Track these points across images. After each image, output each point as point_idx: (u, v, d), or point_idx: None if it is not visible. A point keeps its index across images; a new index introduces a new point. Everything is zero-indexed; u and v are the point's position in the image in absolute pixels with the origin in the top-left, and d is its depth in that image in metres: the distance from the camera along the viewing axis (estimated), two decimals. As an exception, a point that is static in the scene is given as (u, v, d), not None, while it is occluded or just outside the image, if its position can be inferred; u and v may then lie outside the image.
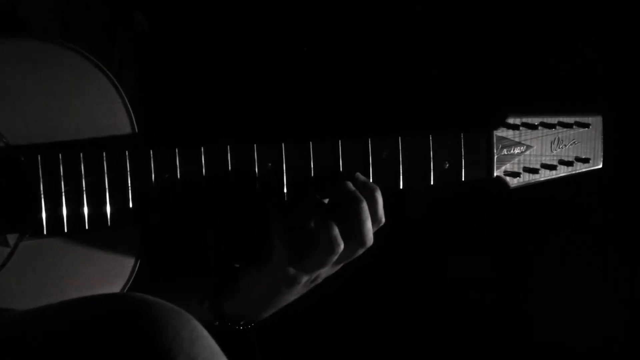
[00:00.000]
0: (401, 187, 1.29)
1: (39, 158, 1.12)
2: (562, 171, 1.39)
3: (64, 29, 1.37)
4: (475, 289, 2.04)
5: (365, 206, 1.20)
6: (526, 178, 1.37)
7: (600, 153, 1.42)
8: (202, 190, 1.19)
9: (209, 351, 0.98)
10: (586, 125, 1.40)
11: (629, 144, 1.87)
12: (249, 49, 1.88)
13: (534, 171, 1.37)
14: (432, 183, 1.30)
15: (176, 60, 1.79)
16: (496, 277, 2.04)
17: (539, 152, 1.37)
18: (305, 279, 1.24)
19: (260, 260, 1.27)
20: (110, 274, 1.20)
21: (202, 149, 1.19)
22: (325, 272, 1.26)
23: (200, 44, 1.84)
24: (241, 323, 1.34)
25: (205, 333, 0.99)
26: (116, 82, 1.19)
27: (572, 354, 2.04)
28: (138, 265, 1.22)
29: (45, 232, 1.13)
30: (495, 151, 1.34)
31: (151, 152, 1.16)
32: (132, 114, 1.20)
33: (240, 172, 1.21)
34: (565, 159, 1.39)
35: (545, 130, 1.37)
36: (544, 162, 1.38)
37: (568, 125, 1.38)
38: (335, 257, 1.20)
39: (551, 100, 1.81)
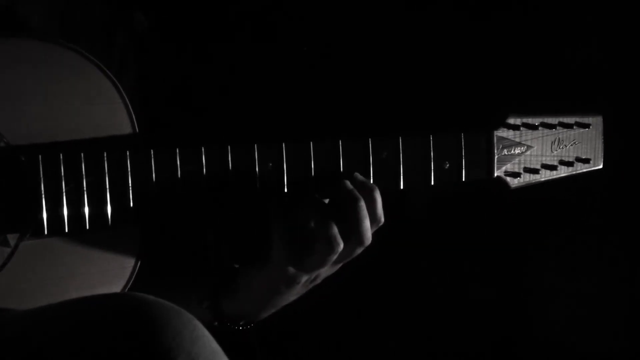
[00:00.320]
0: (401, 187, 1.29)
1: (40, 158, 1.12)
2: (563, 171, 1.39)
3: (64, 29, 1.37)
4: (476, 289, 2.04)
5: (363, 205, 1.20)
6: (527, 178, 1.37)
7: (601, 153, 1.42)
8: (203, 190, 1.19)
9: (210, 351, 0.98)
10: (587, 126, 1.40)
11: (630, 144, 1.87)
12: (249, 49, 1.88)
13: (535, 171, 1.37)
14: (432, 183, 1.30)
15: (176, 60, 1.79)
16: (496, 277, 2.04)
17: (539, 152, 1.37)
18: (304, 278, 1.24)
19: (260, 260, 1.27)
20: (111, 274, 1.20)
21: (203, 149, 1.19)
22: (324, 272, 1.26)
23: (200, 44, 1.84)
24: (241, 323, 1.34)
25: (206, 333, 0.99)
26: (116, 82, 1.19)
27: (572, 354, 2.04)
28: (138, 265, 1.22)
29: (45, 232, 1.13)
30: (495, 151, 1.34)
31: (152, 152, 1.16)
32: (133, 114, 1.20)
33: (240, 172, 1.21)
34: (566, 159, 1.39)
35: (546, 131, 1.37)
36: (544, 162, 1.37)
37: (568, 126, 1.38)
38: (335, 257, 1.20)
39: (552, 100, 1.81)
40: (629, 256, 2.00)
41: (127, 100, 1.19)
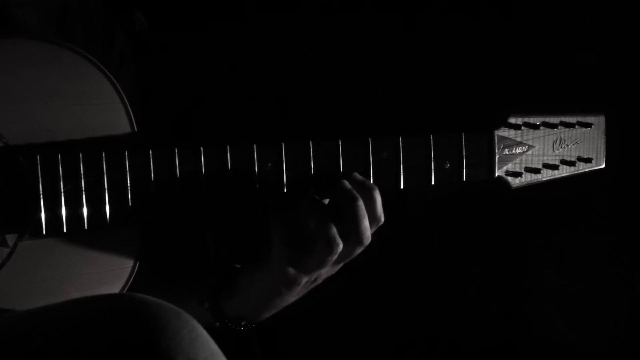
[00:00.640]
0: (402, 187, 1.28)
1: (38, 158, 1.11)
2: (565, 171, 1.39)
3: (63, 29, 1.36)
4: (476, 289, 2.04)
5: (361, 204, 1.20)
6: (528, 178, 1.36)
7: (603, 153, 1.41)
8: (202, 190, 1.18)
9: (209, 351, 0.98)
10: (588, 125, 1.39)
11: (632, 143, 1.86)
12: (249, 49, 1.88)
13: (536, 171, 1.37)
14: (433, 183, 1.30)
15: (176, 60, 1.79)
16: (496, 277, 2.03)
17: (540, 152, 1.37)
18: (304, 279, 1.24)
19: (259, 260, 1.27)
20: (110, 274, 1.20)
21: (202, 149, 1.18)
22: (325, 272, 1.25)
23: (200, 44, 1.84)
24: (242, 324, 1.33)
25: (205, 333, 0.99)
26: (115, 82, 1.19)
27: (572, 354, 2.04)
28: (137, 265, 1.21)
29: (44, 232, 1.13)
30: (496, 151, 1.33)
31: (150, 152, 1.16)
32: (132, 114, 1.19)
33: (239, 173, 1.20)
34: (568, 158, 1.39)
35: (547, 130, 1.37)
36: (546, 162, 1.37)
37: (570, 125, 1.38)
38: (334, 257, 1.20)
39: (553, 99, 1.81)
40: (629, 256, 2.00)
41: (125, 100, 1.19)
